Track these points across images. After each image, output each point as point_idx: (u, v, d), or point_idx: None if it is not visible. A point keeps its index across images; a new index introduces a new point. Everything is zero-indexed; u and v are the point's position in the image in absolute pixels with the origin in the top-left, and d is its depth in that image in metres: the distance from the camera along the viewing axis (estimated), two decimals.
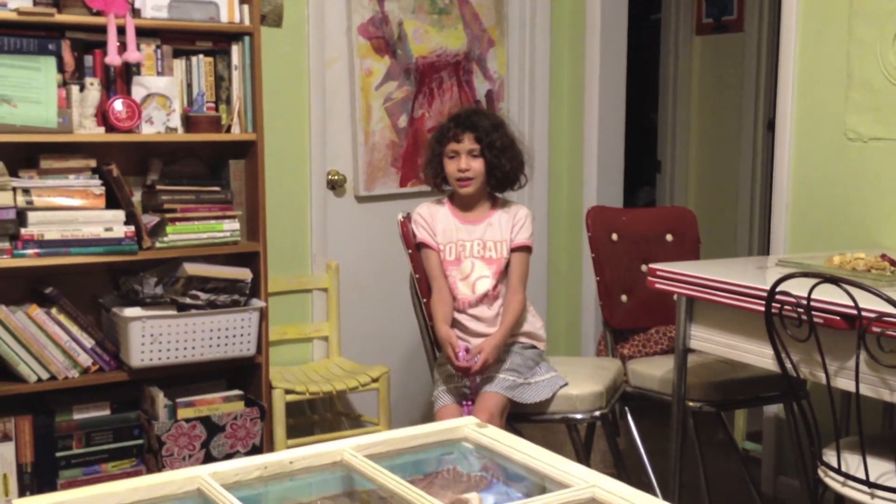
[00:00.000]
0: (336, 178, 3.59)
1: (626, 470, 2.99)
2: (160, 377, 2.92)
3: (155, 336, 2.82)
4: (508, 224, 2.85)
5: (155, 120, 2.87)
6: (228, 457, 2.89)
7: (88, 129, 2.78)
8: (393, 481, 1.56)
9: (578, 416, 2.81)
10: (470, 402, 2.71)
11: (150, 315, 2.81)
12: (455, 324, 2.83)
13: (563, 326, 4.21)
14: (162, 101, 2.87)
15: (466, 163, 2.79)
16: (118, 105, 2.81)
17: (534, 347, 2.87)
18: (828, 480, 2.21)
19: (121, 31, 2.77)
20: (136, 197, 2.97)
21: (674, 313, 2.60)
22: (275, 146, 3.32)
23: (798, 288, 2.10)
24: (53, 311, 2.81)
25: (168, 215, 2.89)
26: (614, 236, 3.22)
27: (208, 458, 2.87)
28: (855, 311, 2.00)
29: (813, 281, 2.07)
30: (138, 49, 2.82)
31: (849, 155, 2.99)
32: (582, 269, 4.10)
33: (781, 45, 3.21)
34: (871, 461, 2.11)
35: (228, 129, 3.02)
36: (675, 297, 2.56)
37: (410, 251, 2.94)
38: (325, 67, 3.53)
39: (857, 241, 2.93)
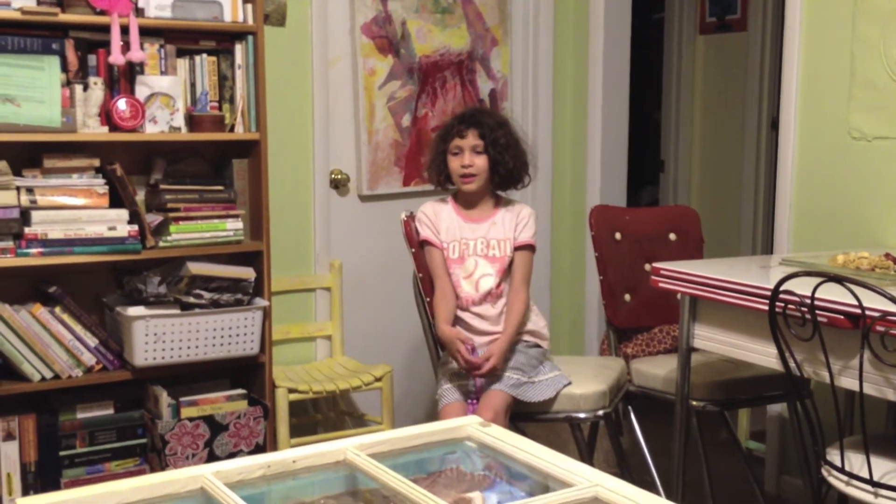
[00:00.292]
0: (339, 177, 3.59)
1: (629, 469, 2.99)
2: (164, 376, 2.92)
3: (158, 335, 2.82)
4: (512, 223, 2.86)
5: (158, 119, 2.87)
6: (232, 456, 2.90)
7: (92, 129, 2.78)
8: (396, 480, 1.56)
9: (582, 416, 2.81)
10: (475, 401, 2.71)
11: (154, 314, 2.81)
12: (458, 322, 2.84)
13: (567, 326, 4.21)
14: (165, 100, 2.88)
15: (470, 159, 2.81)
16: (122, 104, 2.81)
17: (538, 346, 2.87)
18: (831, 480, 2.21)
19: (124, 30, 2.77)
20: (140, 196, 2.97)
21: (677, 312, 2.60)
22: (278, 145, 3.32)
23: (802, 287, 2.10)
24: (57, 310, 2.81)
25: (171, 214, 2.89)
26: (618, 235, 3.22)
27: (212, 458, 2.88)
28: (859, 311, 2.00)
29: (817, 280, 2.07)
30: (142, 48, 2.82)
31: (853, 154, 2.99)
32: (585, 268, 4.10)
33: (785, 45, 3.20)
34: (874, 460, 2.10)
35: (232, 129, 3.02)
36: (678, 296, 2.56)
37: (413, 250, 2.94)
38: (328, 67, 3.53)
39: (861, 240, 2.93)
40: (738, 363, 2.83)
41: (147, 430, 2.93)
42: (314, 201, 3.53)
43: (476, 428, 1.81)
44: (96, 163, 2.83)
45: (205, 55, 2.99)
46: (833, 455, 2.22)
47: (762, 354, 2.36)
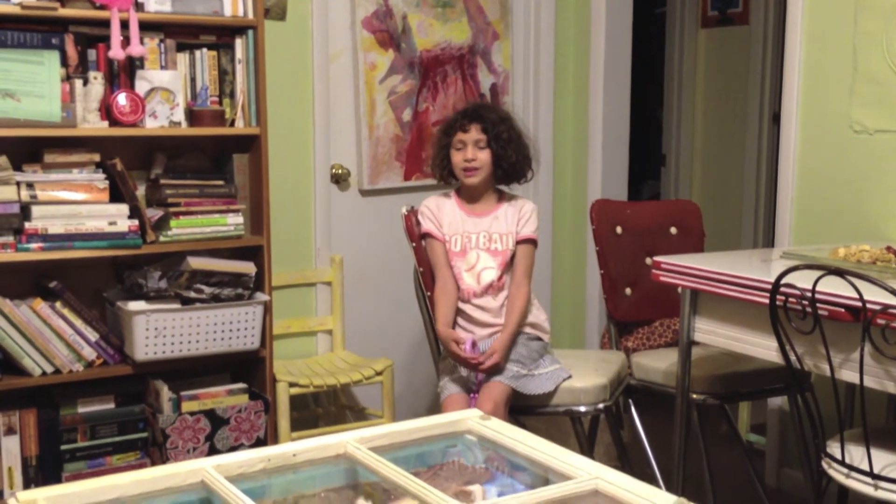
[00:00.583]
0: (340, 171, 3.59)
1: (629, 462, 2.99)
2: (164, 371, 2.93)
3: (159, 330, 2.82)
4: (514, 217, 2.87)
5: (158, 114, 2.87)
6: (233, 450, 2.90)
7: (92, 124, 2.78)
8: (396, 473, 1.56)
9: (582, 409, 2.81)
10: (476, 395, 2.72)
11: (155, 309, 2.82)
12: (460, 314, 2.85)
13: (568, 319, 4.21)
14: (165, 95, 2.88)
15: (473, 153, 2.82)
16: (122, 99, 2.81)
17: (539, 339, 2.88)
18: (832, 472, 2.21)
19: (124, 24, 2.77)
20: (140, 191, 2.97)
21: (678, 306, 2.60)
22: (279, 140, 3.32)
23: (803, 280, 2.10)
24: (58, 304, 2.81)
25: (172, 209, 2.89)
26: (619, 229, 3.22)
27: (212, 451, 2.88)
28: (860, 304, 2.00)
29: (818, 273, 2.07)
30: (142, 43, 2.82)
31: (854, 147, 2.99)
32: (586, 262, 4.10)
33: (787, 38, 3.19)
34: (875, 453, 2.10)
35: (232, 123, 3.02)
36: (679, 289, 2.56)
37: (414, 245, 2.95)
38: (329, 61, 3.52)
39: (863, 234, 2.93)
40: (738, 356, 2.83)
41: (148, 425, 2.94)
42: (315, 196, 3.53)
43: (476, 421, 1.81)
44: (96, 158, 2.83)
45: (205, 50, 2.98)
46: (833, 448, 2.22)
47: (763, 348, 2.36)
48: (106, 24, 2.76)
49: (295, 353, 3.52)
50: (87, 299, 2.91)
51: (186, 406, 2.89)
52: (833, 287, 2.06)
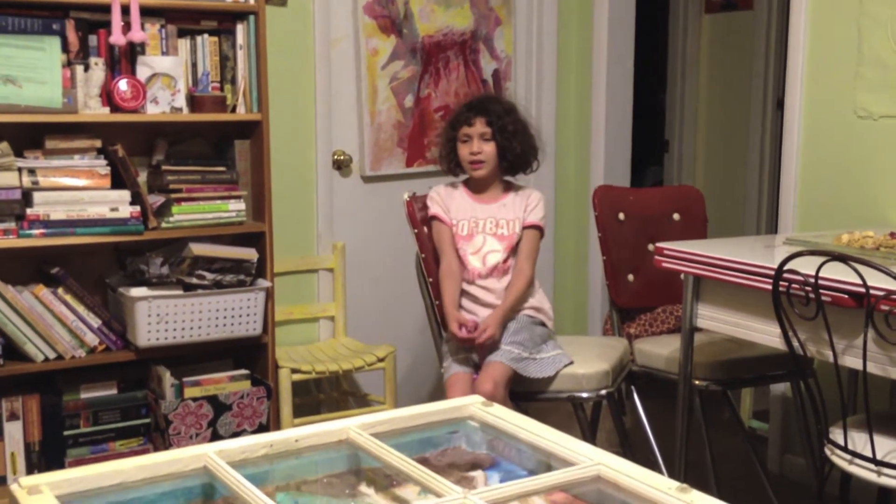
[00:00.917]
0: (342, 158, 3.59)
1: (632, 448, 2.99)
2: (167, 357, 2.93)
3: (161, 316, 2.82)
4: (522, 205, 2.92)
5: (160, 100, 2.86)
6: (235, 435, 2.90)
7: (93, 110, 2.77)
8: (399, 459, 1.56)
9: (584, 395, 2.81)
10: (478, 375, 2.74)
11: (157, 295, 2.82)
12: (465, 294, 2.88)
13: (570, 306, 4.21)
14: (167, 80, 2.87)
15: (479, 146, 2.87)
16: (123, 85, 2.80)
17: (543, 325, 2.90)
18: (835, 458, 2.21)
19: (125, 10, 2.76)
20: (142, 177, 2.97)
21: (680, 292, 2.59)
22: (280, 126, 3.31)
23: (806, 266, 2.09)
24: (60, 291, 2.81)
25: (174, 195, 2.89)
26: (621, 216, 3.21)
27: (215, 437, 2.89)
28: (863, 290, 1.99)
29: (821, 259, 2.06)
30: (143, 28, 2.81)
31: (859, 133, 2.97)
32: (589, 248, 4.09)
33: (791, 23, 3.18)
34: (878, 439, 2.10)
35: (234, 109, 3.01)
36: (682, 276, 2.56)
37: (416, 231, 2.95)
38: (330, 47, 3.51)
39: (866, 220, 2.92)
40: (741, 343, 2.83)
41: (150, 410, 2.94)
42: (317, 182, 3.52)
43: (479, 407, 1.81)
44: (98, 144, 2.83)
45: (206, 35, 2.97)
46: (836, 434, 2.22)
47: (766, 334, 2.35)
48: (107, 9, 2.75)
49: (297, 339, 3.52)
50: (89, 285, 2.91)
51: (189, 392, 2.90)
52: (836, 273, 2.06)
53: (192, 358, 3.02)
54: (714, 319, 2.51)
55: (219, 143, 3.11)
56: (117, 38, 2.76)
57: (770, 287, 2.18)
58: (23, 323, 2.74)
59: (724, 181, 4.98)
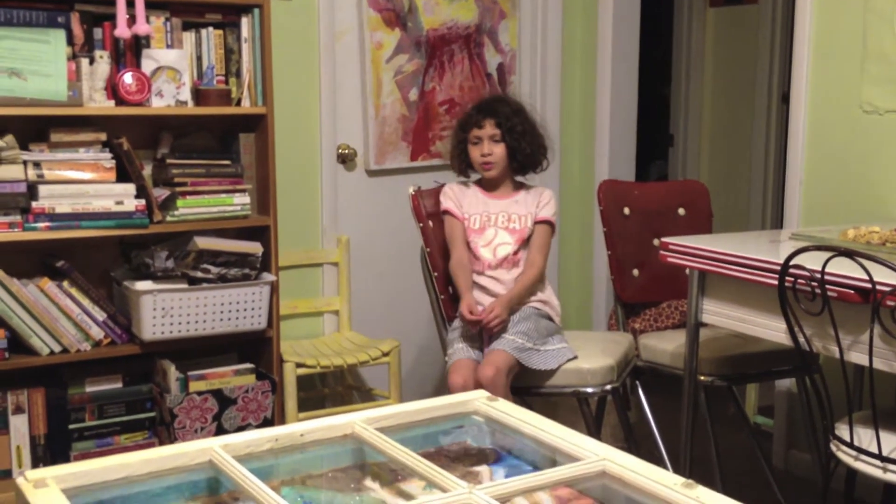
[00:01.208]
0: (346, 151, 3.58)
1: (636, 444, 2.99)
2: (172, 350, 2.93)
3: (166, 309, 2.82)
4: (534, 201, 2.97)
5: (165, 93, 2.86)
6: (240, 429, 2.91)
7: (98, 103, 2.77)
8: (403, 454, 1.56)
9: (589, 390, 2.81)
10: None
11: (162, 289, 2.82)
12: (475, 285, 2.90)
13: (575, 301, 4.21)
14: (172, 74, 2.86)
15: (489, 147, 2.92)
16: (128, 78, 2.80)
17: (549, 319, 2.91)
18: (840, 454, 2.21)
19: (130, 3, 2.75)
20: (147, 170, 2.96)
21: (685, 287, 2.59)
22: (285, 120, 3.31)
23: (812, 261, 2.09)
24: (65, 284, 2.82)
25: (179, 189, 2.89)
26: (626, 210, 3.21)
27: (220, 431, 2.89)
28: (869, 285, 1.99)
29: (827, 254, 2.05)
30: (148, 21, 2.80)
31: (864, 128, 2.96)
32: (593, 243, 4.09)
33: (796, 17, 3.17)
34: (883, 435, 2.10)
35: (238, 103, 3.01)
36: (687, 271, 2.55)
37: (422, 225, 2.95)
38: (335, 40, 3.50)
39: (872, 215, 2.91)
40: (746, 338, 2.82)
41: (156, 404, 2.95)
42: (321, 176, 3.52)
43: (484, 402, 1.81)
44: (103, 137, 2.83)
45: (211, 28, 2.97)
46: (842, 430, 2.22)
47: (771, 329, 2.35)
48: (112, 2, 2.75)
49: (302, 333, 3.52)
50: (94, 279, 2.91)
51: (194, 386, 2.90)
52: (842, 268, 2.05)
53: (197, 352, 3.02)
54: (719, 314, 2.51)
55: (223, 136, 3.11)
56: (122, 30, 2.76)
57: (776, 282, 2.17)
58: (28, 316, 2.75)
59: (729, 176, 4.97)
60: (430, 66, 3.74)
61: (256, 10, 2.98)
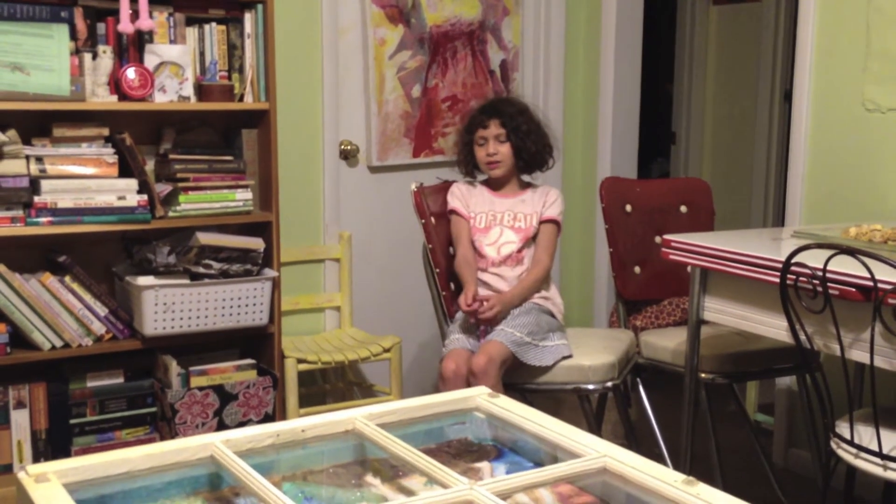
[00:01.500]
0: (349, 148, 3.58)
1: (637, 441, 3.00)
2: (173, 346, 2.93)
3: (168, 305, 2.83)
4: (540, 200, 2.99)
5: (168, 88, 2.86)
6: (241, 425, 2.91)
7: (101, 98, 2.77)
8: (404, 450, 1.56)
9: (590, 387, 2.81)
10: None
11: (164, 284, 2.82)
12: (479, 282, 2.91)
13: (576, 298, 4.21)
14: (174, 69, 2.86)
15: (494, 147, 2.95)
16: (131, 73, 2.80)
17: (551, 315, 2.91)
18: (840, 452, 2.21)
19: None
20: (149, 166, 2.96)
21: (687, 285, 2.59)
22: (287, 116, 3.31)
23: (813, 259, 2.09)
24: (67, 279, 2.82)
25: (181, 184, 2.89)
26: (628, 207, 3.20)
27: (221, 427, 2.89)
28: (871, 283, 1.99)
29: (829, 252, 2.05)
30: (151, 17, 2.81)
31: (867, 126, 2.96)
32: (595, 240, 4.09)
33: (799, 15, 3.16)
34: (884, 433, 2.10)
35: (241, 98, 3.01)
36: (688, 268, 2.55)
37: (423, 221, 2.95)
38: (338, 36, 3.50)
39: (874, 213, 2.91)
40: (748, 336, 2.83)
41: (157, 399, 2.95)
42: (324, 172, 3.52)
43: (485, 399, 1.81)
44: (105, 132, 2.83)
45: (214, 24, 2.97)
46: (842, 428, 2.22)
47: (773, 327, 2.35)
48: None
49: (303, 329, 3.52)
50: (96, 274, 2.92)
51: (195, 381, 2.90)
52: (844, 266, 2.05)
53: (199, 347, 3.02)
54: (721, 312, 2.51)
55: (226, 132, 3.11)
56: (125, 26, 2.76)
57: (777, 280, 2.17)
58: (30, 311, 2.75)
59: (731, 173, 4.97)
60: (433, 62, 3.74)
61: (260, 6, 2.98)
